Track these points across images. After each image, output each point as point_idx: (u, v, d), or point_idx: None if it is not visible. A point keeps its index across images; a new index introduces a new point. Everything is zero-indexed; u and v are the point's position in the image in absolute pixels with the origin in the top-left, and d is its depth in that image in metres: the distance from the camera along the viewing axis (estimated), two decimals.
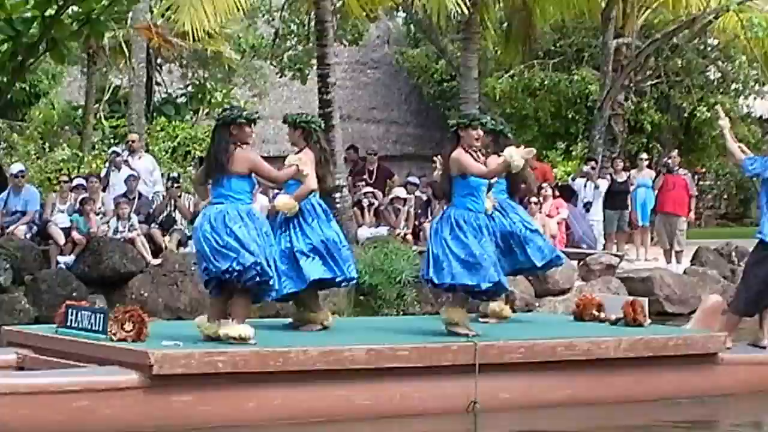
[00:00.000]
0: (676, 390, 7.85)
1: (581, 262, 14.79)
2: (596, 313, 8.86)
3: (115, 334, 6.81)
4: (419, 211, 14.78)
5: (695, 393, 7.87)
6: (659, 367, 7.84)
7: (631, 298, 9.10)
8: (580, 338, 7.80)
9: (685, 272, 15.05)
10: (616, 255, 15.36)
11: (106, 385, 6.46)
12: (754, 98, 23.35)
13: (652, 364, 7.83)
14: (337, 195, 14.34)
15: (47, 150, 19.51)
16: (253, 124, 7.42)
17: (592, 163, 17.30)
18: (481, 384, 7.28)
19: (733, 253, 16.22)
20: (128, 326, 6.80)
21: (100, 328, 6.89)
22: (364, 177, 15.90)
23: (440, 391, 7.30)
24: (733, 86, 23.00)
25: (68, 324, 7.20)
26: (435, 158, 8.27)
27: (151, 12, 17.62)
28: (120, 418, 6.45)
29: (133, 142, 14.80)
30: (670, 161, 16.77)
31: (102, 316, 6.95)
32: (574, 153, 22.35)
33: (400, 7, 21.07)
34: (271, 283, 7.21)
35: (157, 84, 21.47)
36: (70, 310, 7.25)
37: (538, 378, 7.53)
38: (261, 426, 6.79)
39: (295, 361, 6.91)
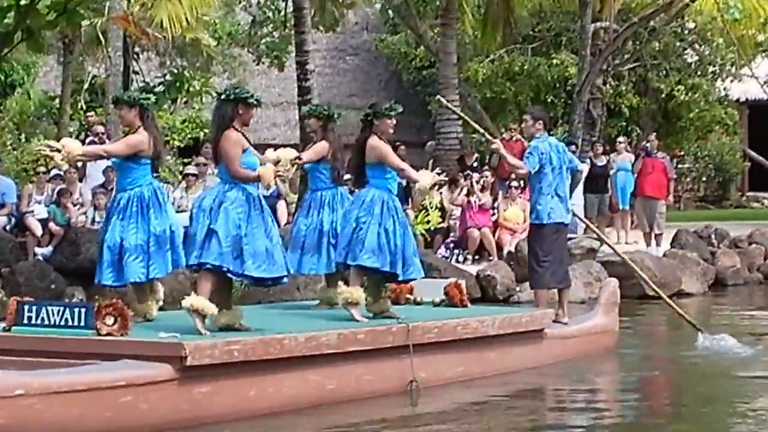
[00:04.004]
0: (521, 363, 8.62)
1: None
2: (409, 297, 9.06)
3: (100, 329, 6.66)
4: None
5: (532, 365, 8.68)
6: (509, 343, 8.50)
7: (453, 280, 9.35)
8: (467, 317, 8.22)
9: (664, 255, 15.08)
10: (596, 239, 15.38)
11: (146, 378, 6.34)
12: (731, 81, 23.44)
13: (507, 340, 8.47)
14: None
15: (23, 141, 19.38)
16: (256, 109, 7.31)
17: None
18: (414, 363, 7.49)
19: (713, 236, 16.28)
20: (110, 320, 6.67)
21: (83, 323, 6.71)
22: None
23: (385, 372, 7.44)
24: (711, 69, 23.07)
25: (26, 322, 6.80)
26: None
27: (128, 0, 17.50)
28: (154, 412, 6.37)
29: (101, 133, 14.49)
30: (648, 144, 16.79)
31: (85, 310, 6.75)
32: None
33: None
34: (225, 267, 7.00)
35: (135, 73, 21.33)
36: (26, 307, 6.84)
37: (443, 357, 7.92)
38: (261, 415, 6.77)
39: (288, 348, 6.91)
